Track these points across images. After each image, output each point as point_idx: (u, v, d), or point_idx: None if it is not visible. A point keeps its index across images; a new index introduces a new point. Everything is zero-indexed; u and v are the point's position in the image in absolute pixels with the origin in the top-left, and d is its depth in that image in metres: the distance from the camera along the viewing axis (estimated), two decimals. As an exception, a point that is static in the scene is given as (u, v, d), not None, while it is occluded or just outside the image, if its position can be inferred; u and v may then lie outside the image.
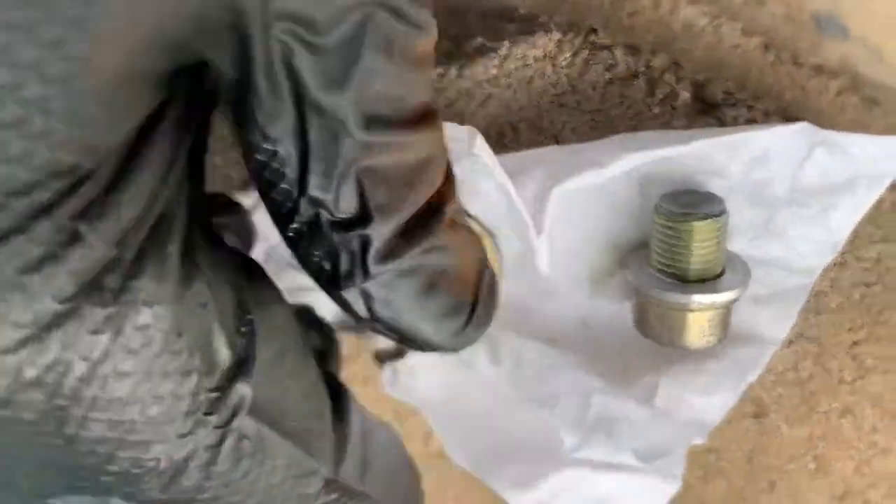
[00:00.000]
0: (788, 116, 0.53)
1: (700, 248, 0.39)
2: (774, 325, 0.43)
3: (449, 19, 0.48)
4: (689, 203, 0.39)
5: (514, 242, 0.39)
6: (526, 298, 0.43)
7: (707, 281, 0.40)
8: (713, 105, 0.42)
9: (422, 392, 0.42)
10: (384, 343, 0.43)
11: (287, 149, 0.34)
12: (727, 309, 0.40)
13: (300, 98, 0.33)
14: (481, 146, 0.36)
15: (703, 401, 0.40)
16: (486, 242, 0.40)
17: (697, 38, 0.58)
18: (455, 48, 0.42)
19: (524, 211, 0.37)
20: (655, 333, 0.41)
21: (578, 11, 0.58)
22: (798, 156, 0.39)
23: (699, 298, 0.39)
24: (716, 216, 0.39)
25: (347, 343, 0.47)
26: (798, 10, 0.87)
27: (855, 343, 0.45)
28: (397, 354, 0.43)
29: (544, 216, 0.37)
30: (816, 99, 0.59)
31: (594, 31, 0.43)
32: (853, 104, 0.59)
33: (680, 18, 0.58)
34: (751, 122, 0.42)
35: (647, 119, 0.41)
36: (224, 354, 0.38)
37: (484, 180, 0.37)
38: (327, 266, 0.36)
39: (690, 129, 0.41)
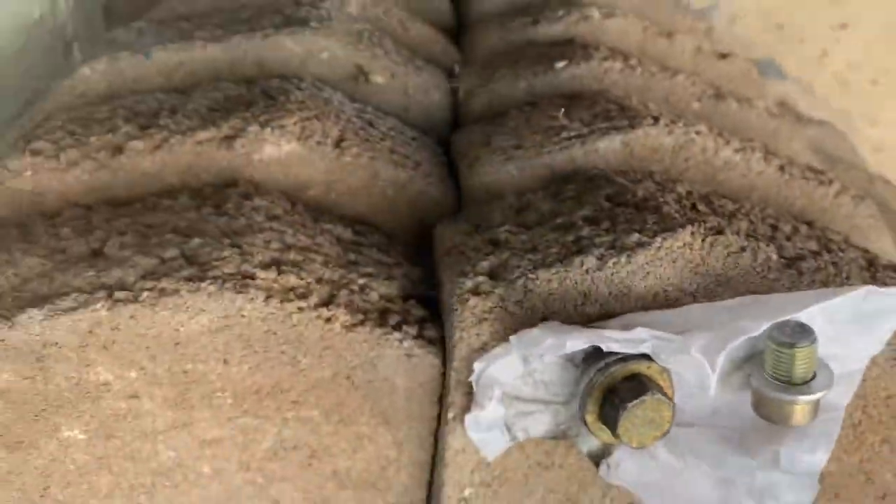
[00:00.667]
0: (807, 224, 0.74)
1: (802, 365, 0.59)
2: (843, 397, 0.64)
3: (588, 207, 0.68)
4: (792, 333, 0.59)
5: (689, 378, 0.59)
6: (679, 400, 0.63)
7: (807, 383, 0.60)
8: (792, 259, 0.63)
9: (629, 478, 0.62)
10: (593, 444, 0.62)
11: None
12: (820, 399, 0.61)
13: None
14: (696, 349, 0.56)
15: (812, 457, 0.61)
16: (666, 377, 0.60)
17: (733, 170, 0.80)
18: (615, 240, 0.61)
19: (707, 364, 0.57)
20: (771, 417, 0.62)
21: (651, 161, 0.78)
22: (859, 297, 0.60)
23: (803, 398, 0.60)
24: (812, 343, 0.59)
25: (549, 444, 0.66)
26: (779, 104, 1.08)
27: (888, 396, 0.67)
28: (605, 453, 0.63)
29: (716, 366, 0.57)
30: (820, 202, 0.81)
31: (703, 213, 0.63)
32: (846, 203, 0.81)
33: (721, 157, 0.79)
34: (817, 269, 0.63)
35: (751, 275, 0.62)
36: None
37: (693, 368, 0.57)
38: None
39: (791, 291, 0.62)
